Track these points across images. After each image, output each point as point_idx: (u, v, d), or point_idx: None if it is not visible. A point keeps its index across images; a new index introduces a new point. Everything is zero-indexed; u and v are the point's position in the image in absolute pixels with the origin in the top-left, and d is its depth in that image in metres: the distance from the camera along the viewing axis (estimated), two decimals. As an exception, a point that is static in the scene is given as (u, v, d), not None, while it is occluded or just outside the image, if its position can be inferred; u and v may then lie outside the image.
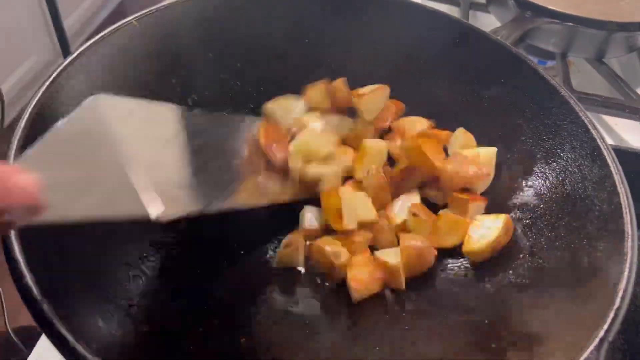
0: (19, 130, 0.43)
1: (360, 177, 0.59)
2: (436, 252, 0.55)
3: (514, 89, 0.60)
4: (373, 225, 0.56)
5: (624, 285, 0.41)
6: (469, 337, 0.48)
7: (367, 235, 0.56)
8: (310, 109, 0.62)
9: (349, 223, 0.54)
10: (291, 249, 0.55)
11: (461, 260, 0.56)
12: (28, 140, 0.42)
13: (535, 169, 0.56)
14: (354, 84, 0.68)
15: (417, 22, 0.66)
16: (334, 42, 0.68)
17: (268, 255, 0.57)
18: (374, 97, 0.63)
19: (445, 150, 0.62)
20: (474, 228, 0.55)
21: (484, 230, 0.54)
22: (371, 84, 0.68)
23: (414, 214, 0.55)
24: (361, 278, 0.52)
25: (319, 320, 0.52)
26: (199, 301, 0.51)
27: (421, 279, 0.55)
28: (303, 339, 0.49)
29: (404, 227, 0.57)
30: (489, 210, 0.58)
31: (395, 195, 0.59)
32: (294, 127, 0.60)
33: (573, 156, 0.53)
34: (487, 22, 1.00)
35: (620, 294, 0.41)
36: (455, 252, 0.56)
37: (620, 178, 0.48)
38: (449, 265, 0.56)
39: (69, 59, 0.50)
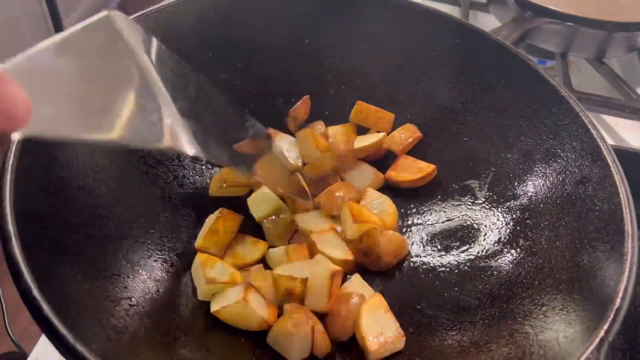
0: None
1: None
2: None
3: (514, 88, 0.60)
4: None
5: (624, 285, 0.41)
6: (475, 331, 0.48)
7: None
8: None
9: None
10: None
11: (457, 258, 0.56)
12: (27, 140, 0.42)
13: (535, 168, 0.56)
14: (355, 84, 0.69)
15: (417, 22, 0.66)
16: (334, 42, 0.68)
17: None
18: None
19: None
20: None
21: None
22: (371, 84, 0.68)
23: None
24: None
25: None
26: (200, 301, 0.51)
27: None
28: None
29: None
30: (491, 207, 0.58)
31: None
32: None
33: (573, 156, 0.53)
34: (487, 22, 1.00)
35: (620, 294, 0.41)
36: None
37: (621, 178, 0.48)
38: (439, 269, 0.56)
39: (69, 58, 0.50)
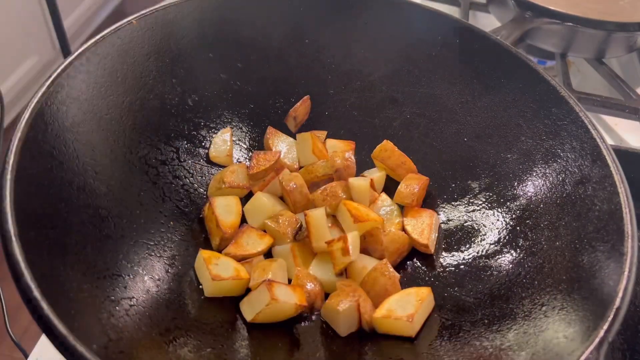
0: (19, 130, 0.43)
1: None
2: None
3: (513, 89, 0.60)
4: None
5: (624, 285, 0.41)
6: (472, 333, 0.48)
7: None
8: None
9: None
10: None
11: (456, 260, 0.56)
12: (28, 140, 0.43)
13: (535, 169, 0.56)
14: (355, 84, 0.69)
15: (417, 22, 0.66)
16: (334, 42, 0.68)
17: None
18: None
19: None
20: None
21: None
22: (371, 84, 0.68)
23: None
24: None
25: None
26: (200, 301, 0.51)
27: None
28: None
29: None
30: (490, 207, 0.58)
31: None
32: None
33: (573, 156, 0.53)
34: (487, 22, 1.01)
35: (620, 294, 0.41)
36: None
37: (620, 178, 0.48)
38: (440, 268, 0.56)
39: (69, 59, 0.50)
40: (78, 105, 0.50)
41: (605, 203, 0.48)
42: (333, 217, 0.58)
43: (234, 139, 0.65)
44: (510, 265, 0.53)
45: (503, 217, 0.57)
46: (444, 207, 0.61)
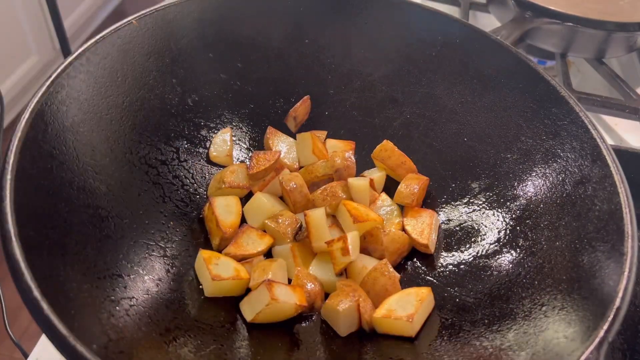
0: (19, 130, 0.43)
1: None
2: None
3: (513, 89, 0.60)
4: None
5: (624, 285, 0.41)
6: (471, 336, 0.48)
7: None
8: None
9: None
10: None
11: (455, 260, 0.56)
12: (28, 140, 0.43)
13: (535, 169, 0.56)
14: (355, 84, 0.69)
15: (417, 22, 0.66)
16: (334, 42, 0.68)
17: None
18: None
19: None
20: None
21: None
22: (371, 84, 0.68)
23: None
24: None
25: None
26: (200, 301, 0.51)
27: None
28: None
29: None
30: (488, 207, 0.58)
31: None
32: None
33: (573, 156, 0.53)
34: (487, 22, 1.01)
35: (620, 294, 0.41)
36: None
37: (621, 178, 0.48)
38: (440, 267, 0.56)
39: (69, 59, 0.50)
40: (78, 105, 0.50)
41: (605, 203, 0.48)
42: (333, 217, 0.58)
43: (234, 139, 0.65)
44: (510, 265, 0.53)
45: (503, 217, 0.57)
46: (444, 207, 0.62)
